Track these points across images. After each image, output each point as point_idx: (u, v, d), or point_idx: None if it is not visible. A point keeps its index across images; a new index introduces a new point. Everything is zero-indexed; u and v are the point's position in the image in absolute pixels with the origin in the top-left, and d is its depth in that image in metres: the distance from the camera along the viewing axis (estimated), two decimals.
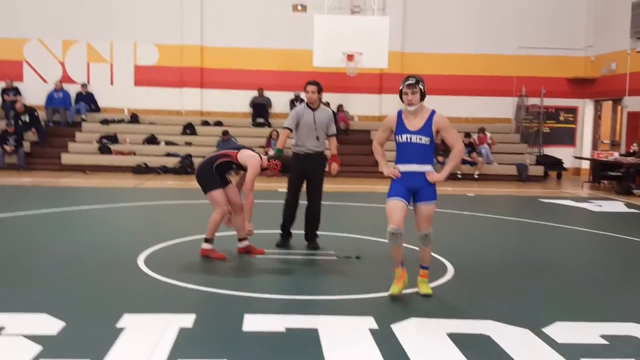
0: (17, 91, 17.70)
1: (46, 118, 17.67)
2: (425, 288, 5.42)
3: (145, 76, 18.50)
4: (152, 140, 17.46)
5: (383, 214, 5.26)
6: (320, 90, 7.10)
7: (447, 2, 18.79)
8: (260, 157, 6.54)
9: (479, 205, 11.65)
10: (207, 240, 6.63)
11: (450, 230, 8.70)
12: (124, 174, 15.84)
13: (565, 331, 4.56)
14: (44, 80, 18.25)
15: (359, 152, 16.63)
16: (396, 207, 5.19)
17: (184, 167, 16.05)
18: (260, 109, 18.40)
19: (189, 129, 17.94)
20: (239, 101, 18.57)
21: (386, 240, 5.32)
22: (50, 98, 17.86)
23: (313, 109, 7.08)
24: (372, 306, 5.02)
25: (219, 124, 18.12)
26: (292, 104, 17.83)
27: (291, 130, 7.13)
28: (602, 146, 18.84)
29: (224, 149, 6.86)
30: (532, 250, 7.79)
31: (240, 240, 6.85)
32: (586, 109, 19.46)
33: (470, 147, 16.81)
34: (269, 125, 18.03)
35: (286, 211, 7.22)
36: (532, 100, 18.98)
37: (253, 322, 4.56)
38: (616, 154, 15.74)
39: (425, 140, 5.23)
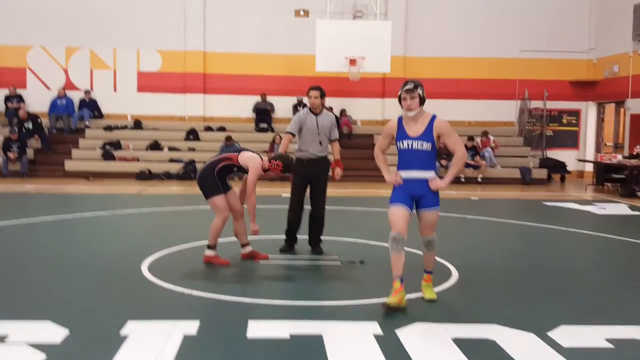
0: (20, 98, 17.74)
1: (49, 125, 17.72)
2: (429, 293, 5.39)
3: (148, 82, 18.54)
4: (155, 146, 17.50)
5: (387, 218, 5.24)
6: (323, 95, 7.10)
7: (449, 6, 18.82)
8: (261, 158, 6.51)
9: (483, 209, 11.63)
10: (210, 247, 6.61)
11: (454, 234, 8.69)
12: (128, 180, 15.86)
13: (570, 335, 4.54)
14: (47, 87, 18.31)
15: (362, 156, 16.59)
16: (398, 213, 5.14)
17: (188, 172, 16.06)
18: (263, 114, 18.43)
19: (192, 134, 17.97)
20: (241, 106, 18.61)
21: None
22: (53, 105, 17.91)
23: (316, 114, 7.08)
24: (376, 311, 4.99)
25: (222, 129, 18.15)
26: (295, 109, 17.85)
27: (294, 135, 7.13)
28: (605, 149, 18.82)
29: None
30: (536, 253, 7.76)
31: (243, 246, 6.83)
32: (589, 111, 19.45)
33: (474, 151, 16.81)
34: (272, 130, 18.07)
35: (291, 217, 7.20)
36: (535, 103, 19.00)
37: (257, 328, 4.55)
38: (619, 157, 15.70)
39: (426, 146, 5.17)
